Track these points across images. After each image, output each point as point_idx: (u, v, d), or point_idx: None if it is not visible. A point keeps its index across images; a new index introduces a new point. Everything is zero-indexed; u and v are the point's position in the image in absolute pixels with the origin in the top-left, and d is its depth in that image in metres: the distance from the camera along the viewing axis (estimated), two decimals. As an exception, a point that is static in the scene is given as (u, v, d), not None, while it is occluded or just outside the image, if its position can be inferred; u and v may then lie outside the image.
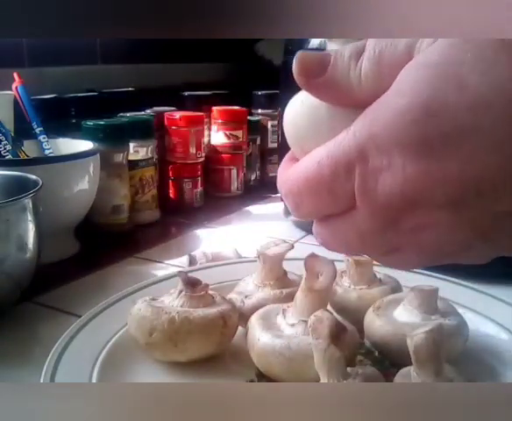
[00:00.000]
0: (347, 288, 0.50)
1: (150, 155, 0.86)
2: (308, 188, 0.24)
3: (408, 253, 0.24)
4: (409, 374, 0.37)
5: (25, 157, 0.73)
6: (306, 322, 0.40)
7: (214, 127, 1.03)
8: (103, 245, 0.75)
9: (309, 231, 0.79)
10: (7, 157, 0.71)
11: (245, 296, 0.49)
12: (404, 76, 0.22)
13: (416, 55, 0.22)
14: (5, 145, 0.71)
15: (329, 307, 0.43)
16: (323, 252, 0.44)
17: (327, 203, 0.24)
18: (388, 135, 0.21)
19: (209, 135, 1.03)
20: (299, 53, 0.25)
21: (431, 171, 0.21)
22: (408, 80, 0.21)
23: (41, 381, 0.39)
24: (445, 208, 0.22)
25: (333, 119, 0.25)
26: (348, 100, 0.24)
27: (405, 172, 0.21)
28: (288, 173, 0.25)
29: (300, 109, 0.26)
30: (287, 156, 0.28)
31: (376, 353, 0.46)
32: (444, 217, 0.22)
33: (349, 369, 0.36)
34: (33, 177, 0.59)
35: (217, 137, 1.02)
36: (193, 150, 0.94)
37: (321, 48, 0.77)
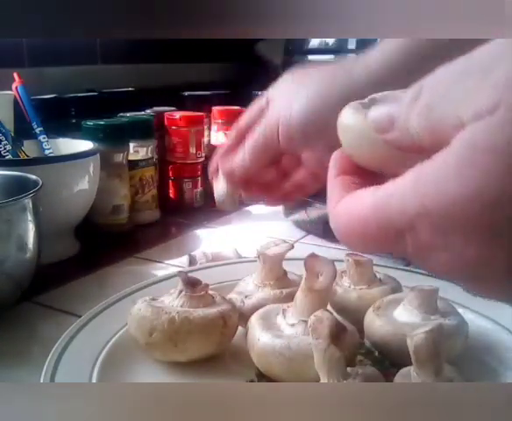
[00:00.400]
0: (347, 288, 0.50)
1: (150, 155, 0.86)
2: (355, 237, 0.23)
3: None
4: (409, 374, 0.37)
5: (25, 157, 0.73)
6: (306, 322, 0.40)
7: (214, 127, 1.03)
8: (103, 245, 0.75)
9: (309, 231, 0.80)
10: (7, 157, 0.71)
11: (245, 296, 0.49)
12: (467, 156, 0.20)
13: (467, 124, 0.20)
14: (5, 145, 0.71)
15: (329, 307, 0.43)
16: (323, 252, 0.44)
17: (377, 249, 0.24)
18: (447, 216, 0.20)
19: (209, 135, 1.03)
20: (369, 111, 0.24)
21: (496, 254, 0.20)
22: (472, 162, 0.20)
23: (41, 381, 0.39)
24: (509, 282, 0.21)
25: (378, 144, 0.24)
26: (418, 150, 0.22)
27: (465, 255, 0.20)
28: (338, 208, 0.24)
29: (350, 119, 0.26)
30: (337, 161, 0.27)
31: (376, 353, 0.46)
32: (507, 285, 0.21)
33: (349, 369, 0.36)
34: (33, 177, 0.59)
35: (217, 137, 1.02)
36: (193, 150, 0.94)
37: (320, 49, 0.77)
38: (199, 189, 0.96)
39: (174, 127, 0.93)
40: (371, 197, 0.23)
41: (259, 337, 0.41)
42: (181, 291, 0.46)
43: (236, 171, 0.50)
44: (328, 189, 0.26)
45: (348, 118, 0.26)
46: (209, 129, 1.03)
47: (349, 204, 0.24)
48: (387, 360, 0.44)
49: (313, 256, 0.42)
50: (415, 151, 0.22)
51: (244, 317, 0.46)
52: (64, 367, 0.41)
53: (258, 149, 0.49)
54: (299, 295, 0.42)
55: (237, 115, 1.02)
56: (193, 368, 0.44)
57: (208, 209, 0.95)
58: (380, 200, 0.22)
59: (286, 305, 0.44)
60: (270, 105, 0.51)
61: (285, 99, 0.49)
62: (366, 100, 0.26)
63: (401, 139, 0.23)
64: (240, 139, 0.53)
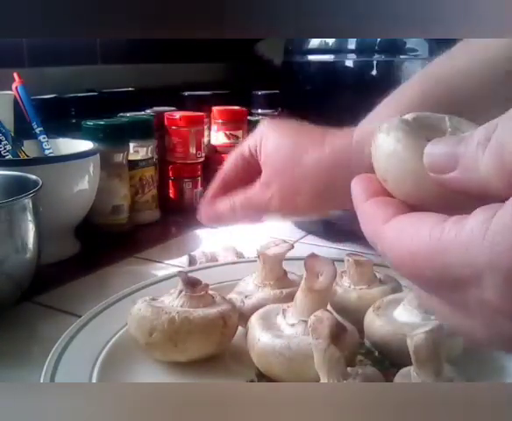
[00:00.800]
0: (347, 288, 0.50)
1: (150, 155, 0.86)
2: (405, 270, 0.21)
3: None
4: (409, 374, 0.37)
5: (25, 157, 0.73)
6: (306, 322, 0.40)
7: (214, 127, 1.03)
8: (103, 245, 0.75)
9: (309, 231, 0.80)
10: (7, 157, 0.71)
11: (245, 296, 0.49)
12: None
13: None
14: (5, 145, 0.71)
15: (329, 307, 0.43)
16: (323, 252, 0.44)
17: (430, 290, 0.21)
18: None
19: (209, 135, 1.03)
20: (427, 148, 0.22)
21: None
22: None
23: (41, 381, 0.39)
24: None
25: (423, 175, 0.22)
26: (481, 193, 0.20)
27: None
28: (387, 231, 0.22)
29: (392, 144, 0.23)
30: (363, 185, 0.24)
31: (376, 353, 0.46)
32: None
33: (349, 369, 0.36)
34: (33, 177, 0.59)
35: (217, 137, 1.02)
36: (193, 150, 0.94)
37: (320, 49, 0.77)
38: (199, 189, 0.96)
39: (174, 127, 0.93)
40: (427, 234, 0.20)
41: (259, 337, 0.41)
42: (181, 291, 0.46)
43: (223, 221, 0.56)
44: (363, 210, 0.24)
45: (390, 143, 0.23)
46: (209, 129, 1.03)
47: (401, 231, 0.21)
48: (387, 360, 0.44)
49: (313, 256, 0.42)
50: (477, 193, 0.20)
51: (244, 317, 0.46)
52: (64, 367, 0.41)
53: (251, 208, 0.53)
54: (299, 295, 0.42)
55: (237, 115, 1.03)
56: (193, 368, 0.44)
57: (208, 209, 0.95)
58: (439, 243, 0.19)
59: (286, 305, 0.44)
60: (265, 169, 0.52)
61: (284, 172, 0.50)
62: (408, 118, 0.24)
63: (464, 180, 0.20)
64: (225, 188, 0.56)
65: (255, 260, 0.52)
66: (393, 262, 0.22)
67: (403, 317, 0.44)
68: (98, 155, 0.72)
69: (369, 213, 0.23)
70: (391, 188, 0.23)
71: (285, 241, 0.51)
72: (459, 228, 0.19)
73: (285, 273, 0.51)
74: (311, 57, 0.78)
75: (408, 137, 0.23)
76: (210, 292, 0.47)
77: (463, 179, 0.20)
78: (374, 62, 0.74)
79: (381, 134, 0.23)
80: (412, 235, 0.21)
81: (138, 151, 0.84)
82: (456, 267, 0.19)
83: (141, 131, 0.85)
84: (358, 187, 0.25)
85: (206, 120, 1.00)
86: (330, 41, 0.76)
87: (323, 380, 0.35)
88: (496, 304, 0.18)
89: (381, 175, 0.24)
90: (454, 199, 0.21)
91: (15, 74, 0.77)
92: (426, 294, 0.22)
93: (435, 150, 0.21)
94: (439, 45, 0.51)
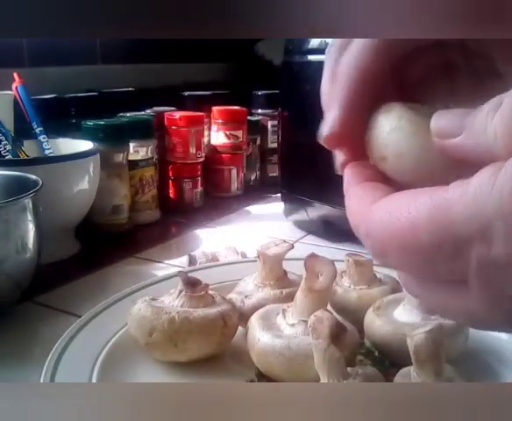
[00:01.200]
0: (347, 288, 0.50)
1: (150, 155, 0.86)
2: (397, 247, 0.20)
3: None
4: (409, 374, 0.37)
5: (25, 157, 0.73)
6: (306, 322, 0.40)
7: (214, 127, 1.03)
8: (103, 245, 0.75)
9: (309, 231, 0.80)
10: (7, 157, 0.71)
11: (245, 296, 0.49)
12: None
13: None
14: (5, 145, 0.71)
15: (329, 307, 0.43)
16: (323, 252, 0.44)
17: (422, 270, 0.20)
18: None
19: (209, 135, 1.03)
20: (437, 113, 0.21)
21: None
22: None
23: (41, 381, 0.39)
24: None
25: (426, 150, 0.21)
26: (486, 160, 0.19)
27: None
28: (375, 209, 0.21)
29: (394, 121, 0.22)
30: (355, 170, 0.24)
31: (376, 353, 0.46)
32: None
33: (349, 369, 0.36)
34: (33, 177, 0.59)
35: (217, 137, 1.02)
36: (193, 150, 0.94)
37: (320, 49, 0.77)
38: (199, 188, 0.96)
39: (174, 127, 0.93)
40: (427, 198, 0.19)
41: (259, 337, 0.41)
42: (181, 291, 0.46)
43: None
44: (353, 193, 0.23)
45: (392, 120, 0.23)
46: (209, 129, 1.03)
47: (394, 203, 0.20)
48: (387, 360, 0.44)
49: (313, 256, 0.42)
50: (481, 162, 0.19)
51: (244, 317, 0.46)
52: (64, 367, 0.41)
53: None
54: (299, 295, 0.42)
55: (237, 115, 1.03)
56: (193, 368, 0.44)
57: (208, 209, 0.95)
58: (444, 201, 0.19)
59: (286, 305, 0.44)
60: None
61: None
62: (407, 104, 0.23)
63: (469, 146, 0.19)
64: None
65: (255, 260, 0.52)
66: (381, 241, 0.21)
67: (403, 317, 0.44)
68: (98, 155, 0.72)
69: (358, 194, 0.23)
70: (390, 165, 0.23)
71: (285, 241, 0.51)
72: (465, 186, 0.18)
73: (285, 273, 0.51)
74: (311, 57, 0.78)
75: (411, 113, 0.22)
76: (210, 292, 0.47)
77: (468, 145, 0.19)
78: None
79: (381, 112, 0.23)
80: (409, 204, 0.20)
81: (138, 151, 0.84)
82: (461, 224, 0.18)
83: (141, 131, 0.85)
84: (350, 172, 0.24)
85: (206, 120, 1.00)
86: (330, 41, 0.76)
87: (323, 380, 0.35)
88: (506, 259, 0.17)
89: (380, 153, 0.23)
90: (456, 177, 0.20)
91: (15, 74, 0.77)
92: (415, 279, 0.22)
93: (444, 114, 0.21)
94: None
